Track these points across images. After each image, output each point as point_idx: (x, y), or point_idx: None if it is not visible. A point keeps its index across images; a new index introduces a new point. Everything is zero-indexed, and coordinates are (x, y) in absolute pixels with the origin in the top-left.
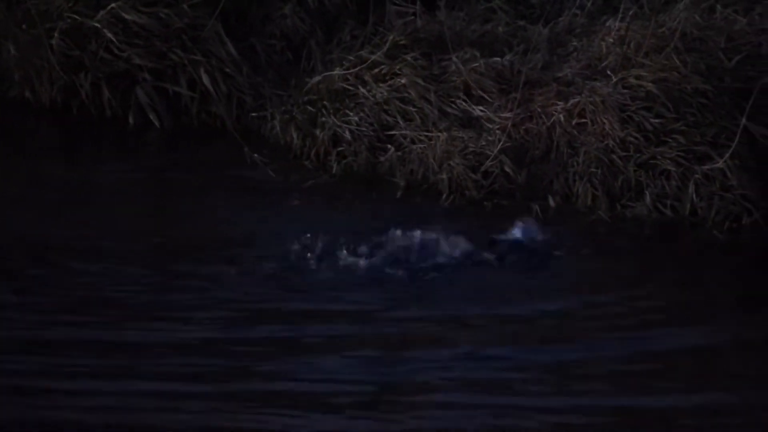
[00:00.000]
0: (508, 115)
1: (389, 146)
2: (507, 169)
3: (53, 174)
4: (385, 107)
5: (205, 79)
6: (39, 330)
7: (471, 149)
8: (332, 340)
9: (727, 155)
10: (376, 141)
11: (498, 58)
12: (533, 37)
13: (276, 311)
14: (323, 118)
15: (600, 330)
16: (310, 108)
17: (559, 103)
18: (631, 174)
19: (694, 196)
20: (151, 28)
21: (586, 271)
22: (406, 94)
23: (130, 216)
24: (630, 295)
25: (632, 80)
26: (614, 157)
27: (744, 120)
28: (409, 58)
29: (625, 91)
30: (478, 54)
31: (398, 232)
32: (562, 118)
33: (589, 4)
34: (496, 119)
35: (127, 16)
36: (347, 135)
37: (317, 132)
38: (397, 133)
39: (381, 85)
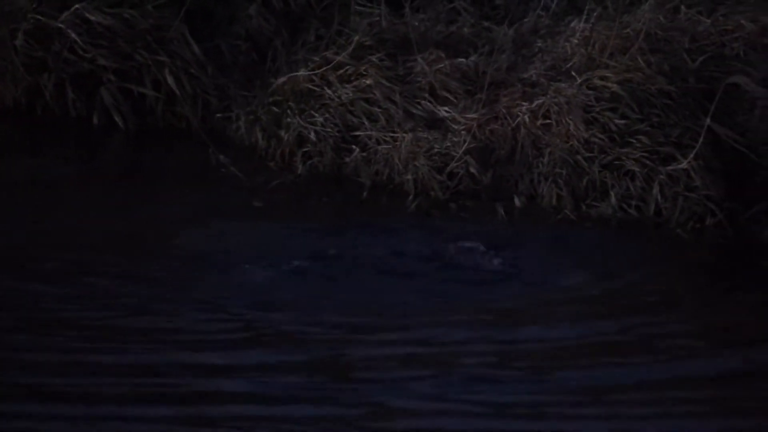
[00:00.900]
0: (473, 115)
1: (354, 147)
2: (472, 170)
3: (16, 175)
4: (351, 108)
5: (170, 80)
6: None
7: (436, 150)
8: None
9: (691, 156)
10: (342, 142)
11: (463, 59)
12: (498, 38)
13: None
14: (288, 119)
15: None
16: (275, 109)
17: (524, 103)
18: (595, 174)
19: (658, 196)
20: (115, 28)
21: None
22: (371, 95)
23: (92, 220)
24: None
25: (597, 81)
26: (579, 157)
27: (708, 121)
28: (374, 59)
29: (590, 91)
30: (443, 55)
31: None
32: (527, 119)
33: (553, 5)
34: (462, 120)
35: (91, 17)
36: (312, 136)
37: (282, 133)
38: (362, 133)
39: (346, 85)
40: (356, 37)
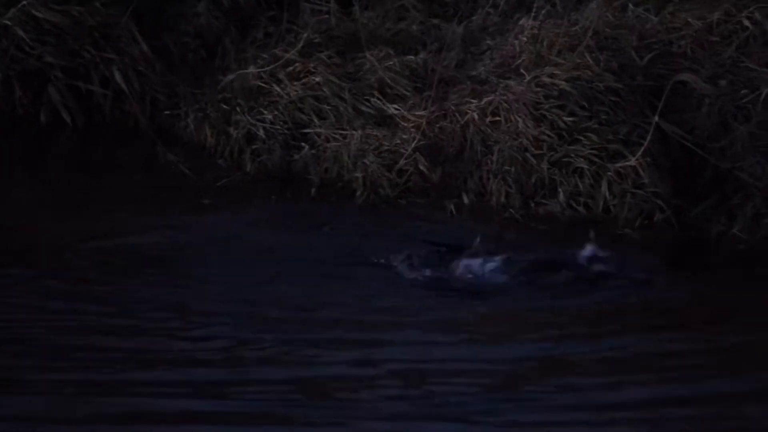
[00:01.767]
0: (422, 113)
1: (303, 144)
2: (421, 167)
3: None
4: (300, 105)
5: (118, 77)
6: None
7: (385, 147)
8: None
9: (640, 153)
10: (291, 139)
11: (412, 57)
12: (447, 36)
13: None
14: (237, 117)
15: None
16: (224, 106)
17: (473, 101)
18: (544, 172)
19: (606, 193)
20: (63, 26)
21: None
22: (320, 93)
23: (39, 218)
24: None
25: (545, 78)
26: (528, 155)
27: (656, 118)
28: (323, 57)
29: (539, 89)
30: (392, 52)
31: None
32: (476, 117)
33: (502, 3)
34: (411, 117)
35: (38, 14)
36: (261, 133)
37: (231, 130)
38: (311, 131)
39: (295, 83)
40: (305, 35)
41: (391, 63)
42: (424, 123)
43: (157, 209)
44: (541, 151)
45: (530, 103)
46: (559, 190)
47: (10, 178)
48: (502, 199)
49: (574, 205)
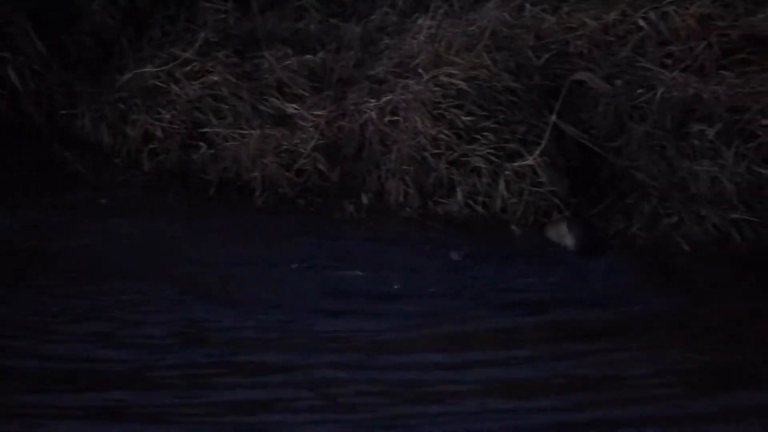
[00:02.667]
0: (321, 112)
1: (201, 144)
2: (320, 167)
3: None
4: (198, 105)
5: (13, 77)
6: None
7: (284, 147)
8: None
9: (537, 152)
10: (189, 138)
11: (310, 56)
12: (345, 35)
13: None
14: (135, 116)
15: None
16: (121, 105)
17: (372, 100)
18: (442, 171)
19: (504, 192)
20: None
21: None
22: (218, 92)
23: None
24: None
25: (443, 78)
26: (426, 154)
27: (553, 117)
28: (221, 56)
29: (437, 88)
30: (290, 51)
31: None
32: (374, 116)
33: (400, 3)
34: (310, 117)
35: None
36: (159, 132)
37: (128, 129)
38: (209, 130)
39: (193, 82)
40: (203, 34)
41: (289, 62)
42: (323, 122)
43: (53, 209)
44: (439, 151)
45: (428, 102)
46: (457, 189)
47: None
48: (401, 198)
49: (472, 204)
